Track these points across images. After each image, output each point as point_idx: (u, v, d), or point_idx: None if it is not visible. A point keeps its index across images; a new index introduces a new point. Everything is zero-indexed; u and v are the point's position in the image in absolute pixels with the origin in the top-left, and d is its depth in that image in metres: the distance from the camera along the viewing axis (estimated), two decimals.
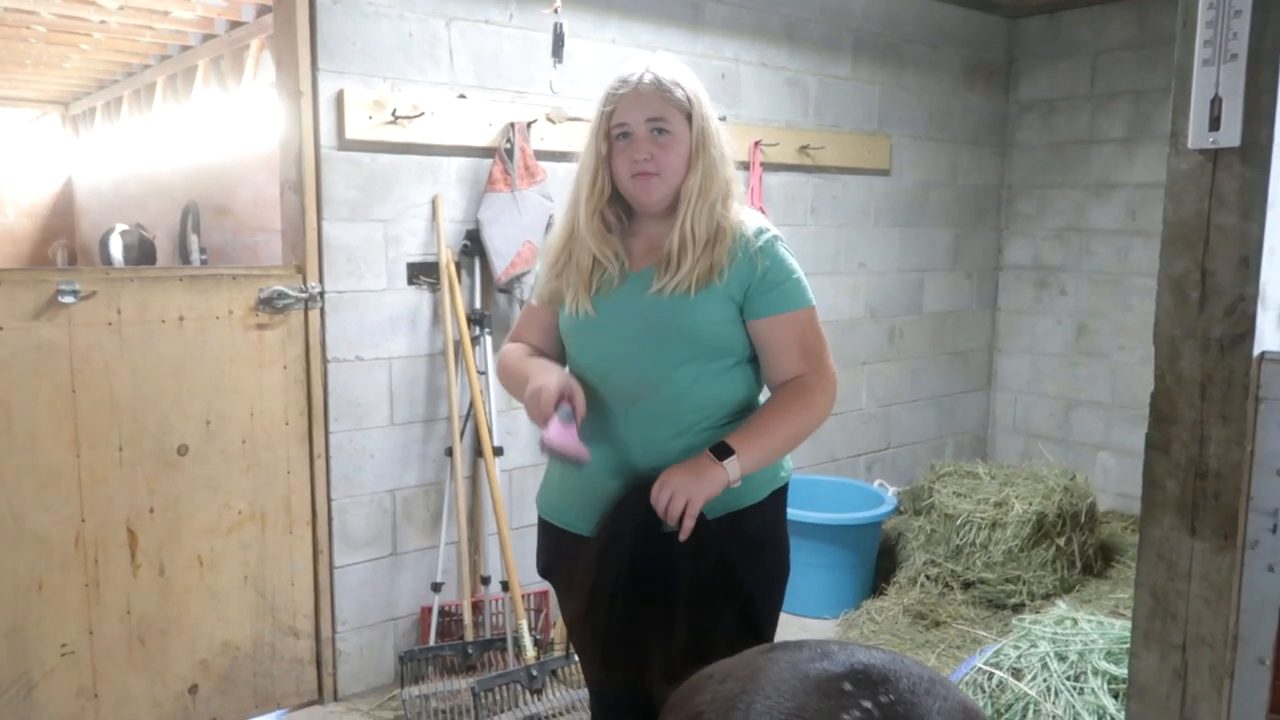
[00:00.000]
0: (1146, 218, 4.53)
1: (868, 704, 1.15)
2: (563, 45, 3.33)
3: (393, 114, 2.99)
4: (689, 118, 1.71)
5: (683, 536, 1.63)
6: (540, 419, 1.67)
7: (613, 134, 1.72)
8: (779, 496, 1.88)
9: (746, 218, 1.77)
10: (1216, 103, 1.78)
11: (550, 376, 1.72)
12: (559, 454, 1.66)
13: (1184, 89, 1.80)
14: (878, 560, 3.92)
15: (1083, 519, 3.82)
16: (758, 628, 1.85)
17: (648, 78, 1.71)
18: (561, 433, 1.66)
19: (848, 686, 1.19)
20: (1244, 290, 1.75)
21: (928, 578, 3.75)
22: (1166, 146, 1.85)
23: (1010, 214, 5.06)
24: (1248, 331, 1.75)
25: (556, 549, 1.90)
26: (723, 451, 1.65)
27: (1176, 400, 1.88)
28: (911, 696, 1.19)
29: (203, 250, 4.50)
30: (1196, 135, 1.80)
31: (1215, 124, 1.79)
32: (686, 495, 1.61)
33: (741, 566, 1.77)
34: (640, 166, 1.70)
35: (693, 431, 1.74)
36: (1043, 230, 4.95)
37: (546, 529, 1.93)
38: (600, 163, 1.75)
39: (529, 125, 3.24)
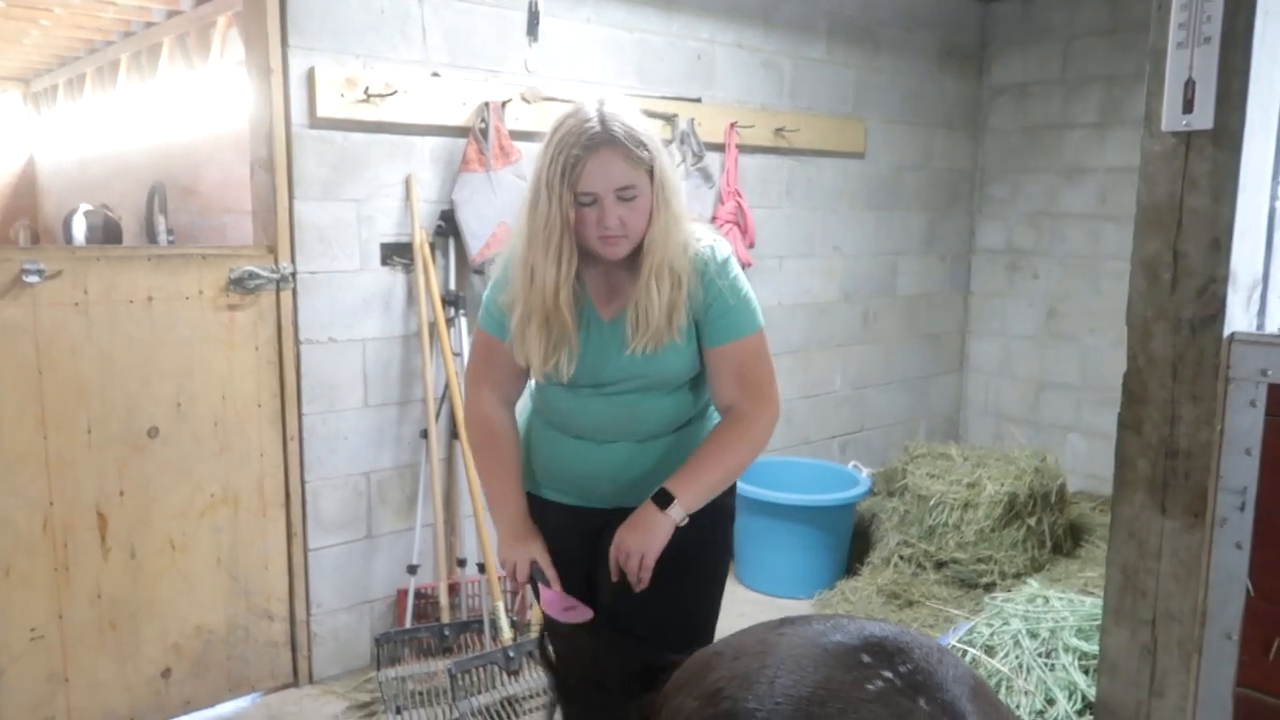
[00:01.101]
0: (1117, 202, 4.57)
1: (888, 674, 1.17)
2: (538, 24, 3.30)
3: (365, 92, 2.96)
4: (650, 172, 1.70)
5: (639, 588, 1.74)
6: (521, 589, 1.82)
7: (578, 199, 1.67)
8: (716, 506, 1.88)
9: (698, 239, 1.79)
10: (1190, 85, 1.80)
11: (518, 548, 1.84)
12: (565, 621, 1.83)
13: (1158, 72, 1.81)
14: (852, 541, 3.95)
15: (1053, 499, 3.87)
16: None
17: (610, 140, 1.64)
18: (555, 601, 1.83)
19: (866, 658, 1.21)
20: (1215, 272, 1.77)
21: (901, 558, 3.78)
22: (1138, 131, 1.86)
23: (983, 198, 5.09)
24: (1218, 312, 1.78)
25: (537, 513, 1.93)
26: (664, 499, 1.74)
27: (1148, 381, 1.91)
28: (928, 665, 1.21)
29: (170, 231, 4.42)
30: (1170, 118, 1.81)
31: (1189, 107, 1.80)
32: (641, 551, 1.72)
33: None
34: (611, 232, 1.68)
35: (652, 439, 1.86)
36: (1015, 214, 4.98)
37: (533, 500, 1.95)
38: (565, 228, 1.68)
39: (504, 105, 3.21)
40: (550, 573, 1.83)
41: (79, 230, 4.93)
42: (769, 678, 1.22)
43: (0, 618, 2.55)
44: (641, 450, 1.84)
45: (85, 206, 5.22)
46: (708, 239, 1.81)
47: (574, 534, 1.89)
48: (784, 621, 1.39)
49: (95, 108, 5.78)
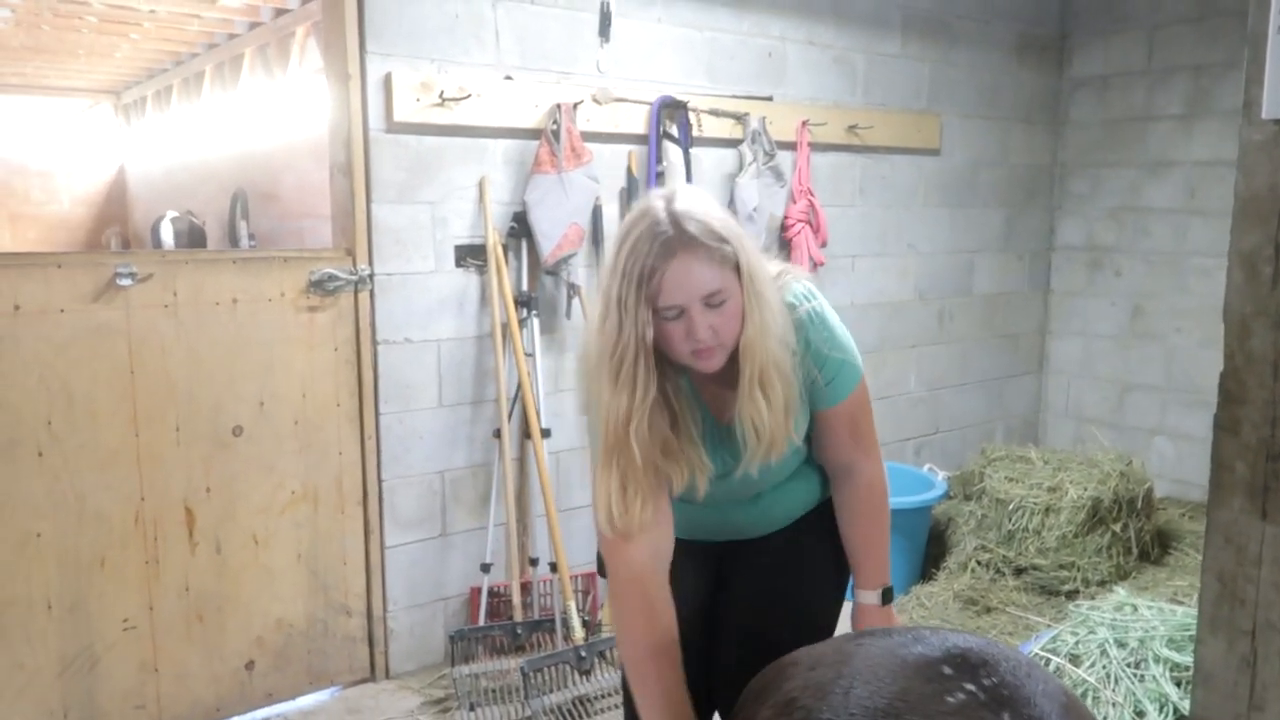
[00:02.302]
0: (1205, 196, 4.41)
1: (971, 686, 1.12)
2: (609, 25, 3.31)
3: (440, 96, 3.00)
4: (736, 266, 1.49)
5: None
6: None
7: (660, 314, 1.47)
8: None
9: (791, 296, 1.63)
10: None
11: None
12: None
13: (1257, 57, 1.73)
14: (927, 546, 3.88)
15: (1139, 505, 3.74)
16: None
17: (688, 243, 1.44)
18: None
19: (948, 670, 1.16)
20: None
21: (979, 563, 3.70)
22: (1226, 123, 1.79)
23: (1063, 193, 4.95)
24: None
25: None
26: (888, 593, 1.76)
27: (1246, 380, 1.82)
28: (1014, 679, 1.15)
29: (251, 236, 4.55)
30: (1271, 105, 1.73)
31: None
32: None
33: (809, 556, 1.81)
34: (703, 344, 1.49)
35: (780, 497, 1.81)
36: (1096, 210, 4.84)
37: None
38: (641, 350, 1.47)
39: (575, 106, 3.23)
40: None
41: (166, 236, 5.11)
42: (845, 688, 1.18)
43: (96, 607, 2.65)
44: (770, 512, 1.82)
45: (172, 213, 5.40)
46: (796, 286, 1.64)
47: (695, 560, 1.83)
48: (864, 633, 1.35)
49: (181, 118, 5.98)
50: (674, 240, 1.45)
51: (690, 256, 1.45)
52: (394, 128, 2.97)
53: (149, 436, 2.70)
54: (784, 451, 1.62)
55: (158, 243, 5.17)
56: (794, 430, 1.61)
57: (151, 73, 6.19)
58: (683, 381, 1.62)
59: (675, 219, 1.46)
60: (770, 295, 1.53)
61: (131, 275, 2.64)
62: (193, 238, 5.16)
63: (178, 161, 6.28)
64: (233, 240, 4.66)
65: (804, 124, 3.83)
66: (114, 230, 7.23)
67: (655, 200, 1.50)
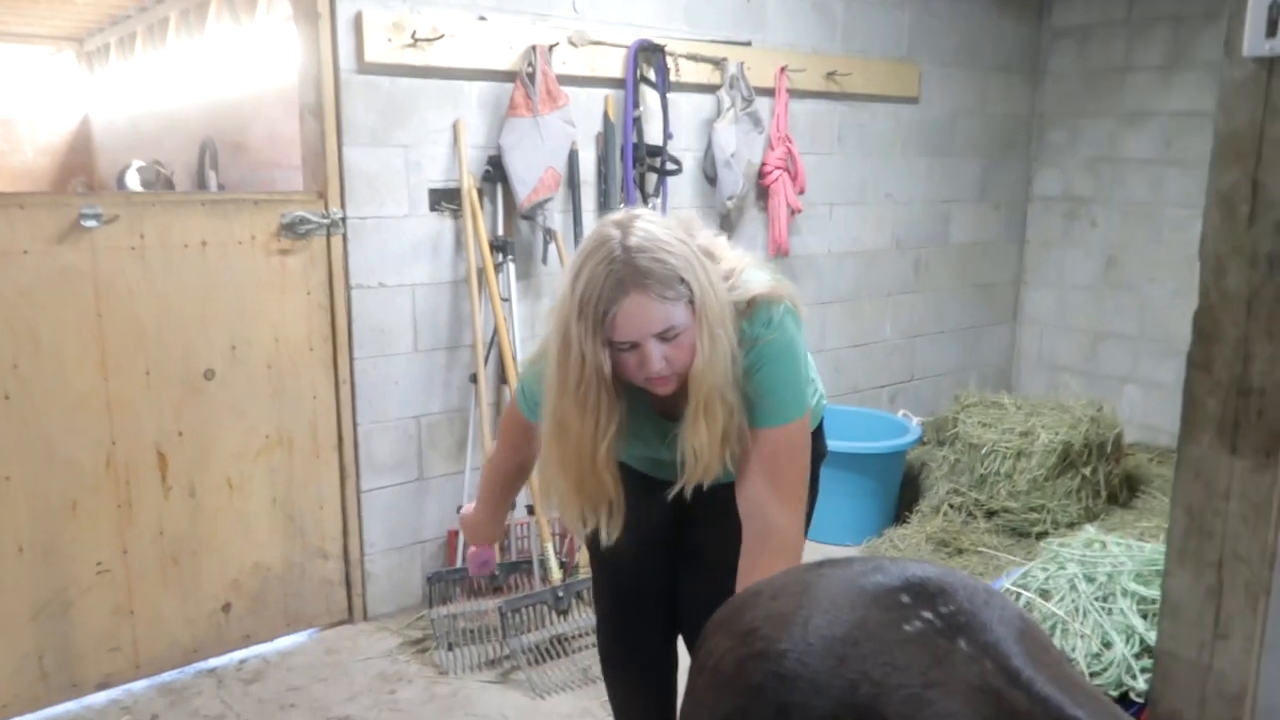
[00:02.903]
0: (1182, 147, 4.42)
1: (928, 614, 1.13)
2: None
3: (412, 36, 2.93)
4: (690, 301, 1.51)
5: None
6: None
7: (614, 347, 1.51)
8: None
9: (749, 300, 1.60)
10: (1274, 7, 1.71)
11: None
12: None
13: None
14: (901, 489, 3.92)
15: (1109, 449, 3.79)
16: None
17: (640, 281, 1.45)
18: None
19: (905, 598, 1.17)
20: None
21: (951, 506, 3.74)
22: (1205, 74, 1.79)
23: (1041, 144, 4.95)
24: None
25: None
26: None
27: (1221, 318, 1.84)
28: (971, 606, 1.17)
29: (221, 186, 4.47)
30: (1252, 42, 1.72)
31: (1273, 30, 1.72)
32: None
33: None
34: (658, 374, 1.53)
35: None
36: (1074, 160, 4.84)
37: None
38: (602, 383, 1.52)
39: (550, 49, 3.17)
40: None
41: (132, 186, 5.01)
42: (804, 618, 1.19)
43: (67, 552, 2.63)
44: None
45: (138, 163, 5.28)
46: (765, 313, 1.59)
47: (660, 496, 1.83)
48: (825, 562, 1.36)
49: (146, 66, 5.82)
50: (627, 280, 1.45)
51: (643, 295, 1.46)
52: (365, 69, 2.91)
53: (118, 380, 2.66)
54: (718, 473, 1.63)
55: None
56: (729, 459, 1.61)
57: (115, 19, 6.01)
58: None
59: (630, 256, 1.46)
60: (721, 328, 1.53)
61: (97, 217, 2.59)
62: (160, 187, 5.06)
63: (144, 110, 6.12)
64: (202, 190, 4.57)
65: (783, 70, 3.79)
66: (80, 180, 7.08)
67: (611, 230, 1.50)
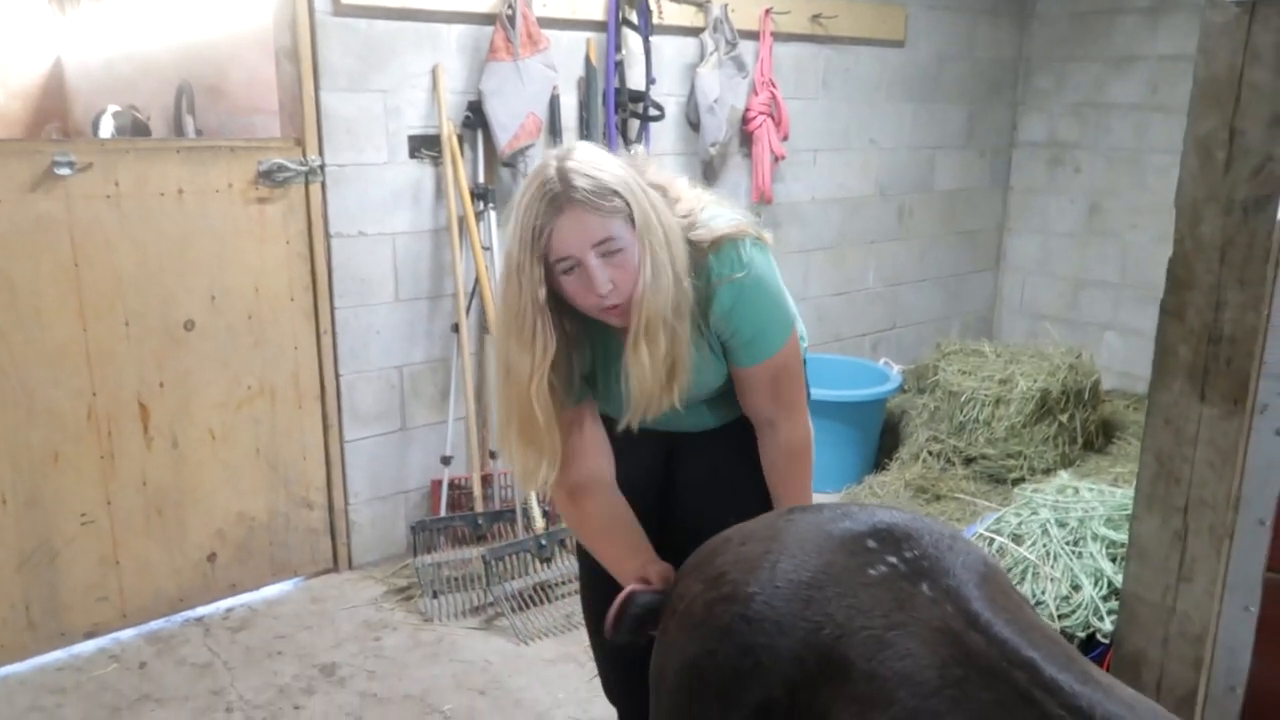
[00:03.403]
0: (1168, 92, 4.40)
1: (893, 559, 1.16)
2: None
3: None
4: (630, 218, 1.47)
5: None
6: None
7: (554, 269, 1.47)
8: None
9: (713, 240, 1.56)
10: None
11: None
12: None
13: None
14: (881, 437, 3.96)
15: (1086, 396, 3.84)
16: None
17: (573, 196, 1.43)
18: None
19: (871, 544, 1.20)
20: (1273, 149, 1.70)
21: (930, 454, 3.79)
22: (1192, 17, 1.77)
23: (1027, 89, 4.91)
24: (1274, 193, 1.71)
25: None
26: None
27: (1195, 265, 1.85)
28: (935, 551, 1.20)
29: (199, 132, 4.38)
30: None
31: None
32: None
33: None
34: (608, 301, 1.48)
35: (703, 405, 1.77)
36: (1060, 106, 4.81)
37: None
38: (538, 310, 1.47)
39: None
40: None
41: (106, 132, 4.90)
42: (772, 562, 1.22)
43: (52, 502, 2.64)
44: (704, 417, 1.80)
45: (113, 107, 5.17)
46: (734, 252, 1.56)
47: (645, 449, 1.83)
48: (795, 509, 1.39)
49: (120, 6, 5.68)
50: (561, 195, 1.44)
51: (578, 209, 1.44)
52: (341, 10, 2.86)
53: (98, 331, 2.65)
54: (662, 412, 1.57)
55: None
56: (678, 394, 1.56)
57: None
58: (591, 323, 1.59)
59: (564, 174, 1.44)
60: (665, 250, 1.49)
61: (70, 164, 2.55)
62: (136, 133, 4.95)
63: (118, 53, 5.98)
64: (179, 136, 4.49)
65: (767, 13, 3.74)
66: (53, 126, 6.92)
67: (549, 160, 1.49)
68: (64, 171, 2.55)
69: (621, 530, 1.68)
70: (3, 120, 7.14)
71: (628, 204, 1.46)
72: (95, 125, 5.13)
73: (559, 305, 1.51)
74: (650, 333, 1.49)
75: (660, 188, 1.58)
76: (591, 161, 1.47)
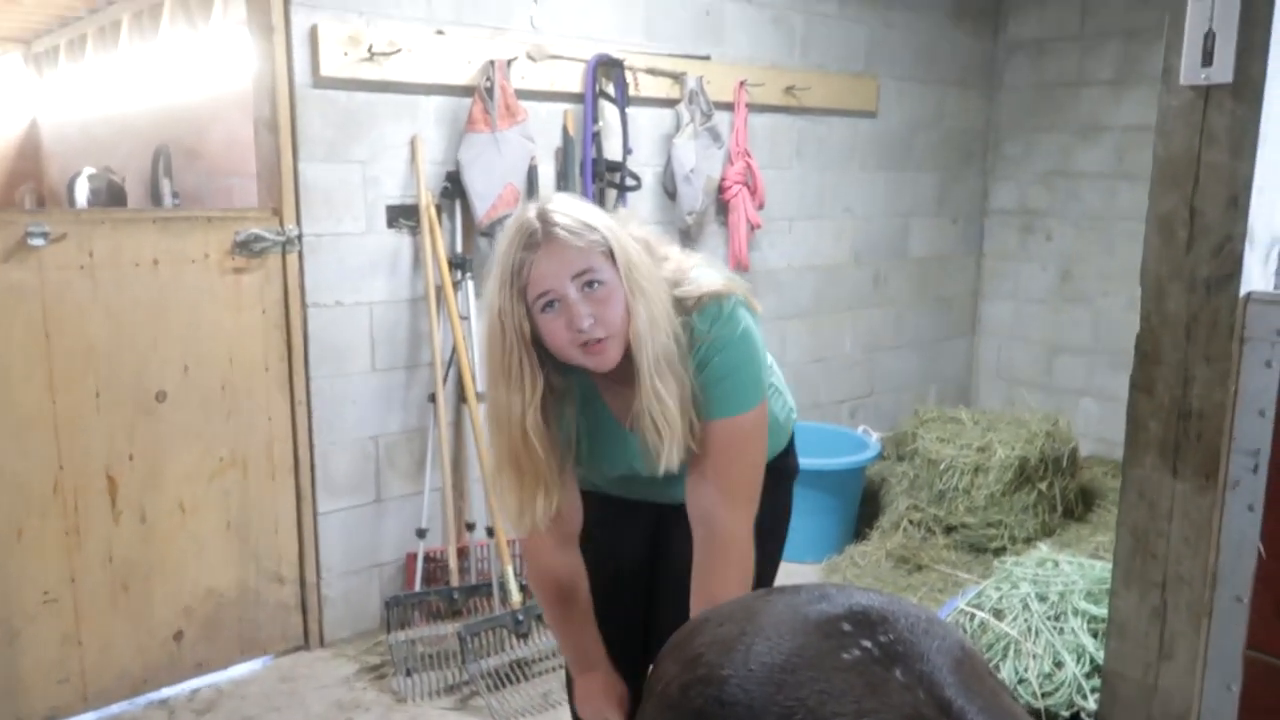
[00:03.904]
0: (1134, 161, 4.50)
1: (867, 643, 1.15)
2: None
3: (369, 50, 2.91)
4: (611, 256, 1.46)
5: None
6: None
7: (534, 307, 1.46)
8: (776, 468, 1.79)
9: (700, 296, 1.55)
10: (1210, 37, 1.75)
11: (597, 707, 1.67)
12: None
13: (1177, 24, 1.76)
14: (861, 505, 3.95)
15: (1064, 464, 3.85)
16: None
17: (555, 230, 1.44)
18: None
19: (847, 627, 1.19)
20: (1232, 229, 1.74)
21: (910, 522, 3.78)
22: (1156, 88, 1.82)
23: (997, 157, 5.02)
24: (1235, 271, 1.74)
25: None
26: None
27: (1161, 341, 1.88)
28: (910, 635, 1.18)
29: (175, 194, 4.39)
30: (1189, 71, 1.77)
31: (1208, 59, 1.75)
32: None
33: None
34: (588, 335, 1.44)
35: None
36: (1029, 174, 4.91)
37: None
38: (524, 345, 1.46)
39: (509, 63, 3.16)
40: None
41: (82, 194, 4.90)
42: (747, 644, 1.21)
43: (14, 580, 2.57)
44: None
45: (89, 170, 5.18)
46: (714, 308, 1.55)
47: (633, 520, 1.84)
48: (774, 590, 1.38)
49: (98, 69, 5.71)
50: (539, 232, 1.45)
51: (557, 243, 1.44)
52: (321, 83, 2.89)
53: (67, 402, 2.61)
54: (680, 453, 1.54)
55: (73, 201, 4.96)
56: (692, 441, 1.54)
57: (64, 21, 5.88)
58: (575, 379, 1.59)
59: (543, 214, 1.46)
60: (654, 290, 1.49)
61: (44, 235, 2.54)
62: (112, 196, 4.96)
63: (95, 115, 6.00)
64: (155, 199, 4.50)
65: (742, 84, 3.81)
66: (28, 187, 6.90)
67: (528, 206, 1.50)
68: (38, 242, 2.53)
69: (579, 633, 1.70)
70: None
71: (607, 240, 1.46)
72: (70, 187, 5.13)
73: (543, 355, 1.50)
74: (660, 369, 1.48)
75: (644, 241, 1.57)
76: (571, 203, 1.50)
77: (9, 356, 2.51)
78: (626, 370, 1.51)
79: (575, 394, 1.62)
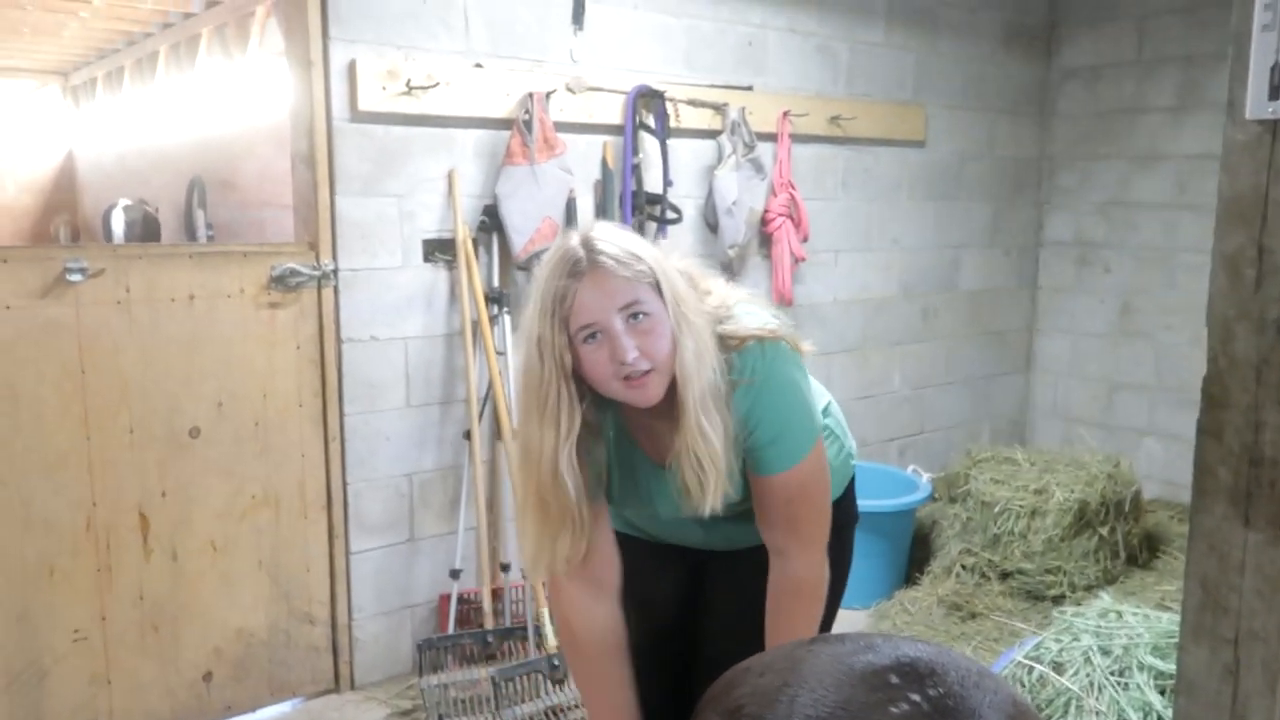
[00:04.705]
0: (1196, 191, 4.33)
1: (916, 697, 1.06)
2: (583, 11, 3.22)
3: (406, 84, 2.90)
4: (657, 287, 1.42)
5: None
6: None
7: (576, 338, 1.40)
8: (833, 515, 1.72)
9: (744, 336, 1.51)
10: (1277, 70, 1.65)
11: None
12: None
13: (1241, 56, 1.66)
14: (911, 549, 3.80)
15: (1127, 507, 3.66)
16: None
17: (601, 258, 1.39)
18: None
19: (894, 679, 1.10)
20: None
21: (963, 567, 3.62)
22: (1218, 115, 1.71)
23: (1051, 187, 4.87)
24: None
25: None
26: None
27: (1229, 384, 1.75)
28: (961, 689, 1.09)
29: (209, 226, 4.41)
30: (1255, 105, 1.66)
31: (1275, 93, 1.65)
32: None
33: None
34: (632, 368, 1.38)
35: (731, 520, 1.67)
36: (1085, 204, 4.76)
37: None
38: (562, 378, 1.40)
39: (548, 95, 3.13)
40: None
41: (118, 226, 4.95)
42: (790, 696, 1.14)
43: (43, 619, 2.55)
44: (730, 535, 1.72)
45: (124, 201, 5.24)
46: (756, 328, 1.50)
47: (673, 566, 1.78)
48: (817, 639, 1.30)
49: (134, 101, 5.79)
50: (583, 260, 1.39)
51: (602, 273, 1.38)
52: (359, 117, 2.87)
53: (101, 439, 2.60)
54: (722, 496, 1.47)
55: (108, 233, 5.02)
56: (730, 481, 1.47)
57: (102, 53, 5.98)
58: (609, 418, 1.54)
59: (587, 243, 1.41)
60: (700, 323, 1.44)
61: (82, 271, 2.54)
62: (146, 227, 5.00)
63: (130, 147, 6.07)
64: (189, 231, 4.53)
65: (785, 115, 3.74)
66: (63, 219, 6.99)
67: (571, 234, 1.46)
68: (75, 278, 2.54)
69: (606, 696, 1.61)
70: (11, 213, 7.20)
71: (653, 271, 1.42)
72: (106, 219, 5.20)
73: (581, 389, 1.45)
74: (706, 405, 1.42)
75: (687, 274, 1.52)
76: (615, 231, 1.46)
77: (44, 392, 2.51)
78: (663, 407, 1.45)
79: (609, 434, 1.56)
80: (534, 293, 1.43)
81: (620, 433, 1.57)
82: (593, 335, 1.39)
